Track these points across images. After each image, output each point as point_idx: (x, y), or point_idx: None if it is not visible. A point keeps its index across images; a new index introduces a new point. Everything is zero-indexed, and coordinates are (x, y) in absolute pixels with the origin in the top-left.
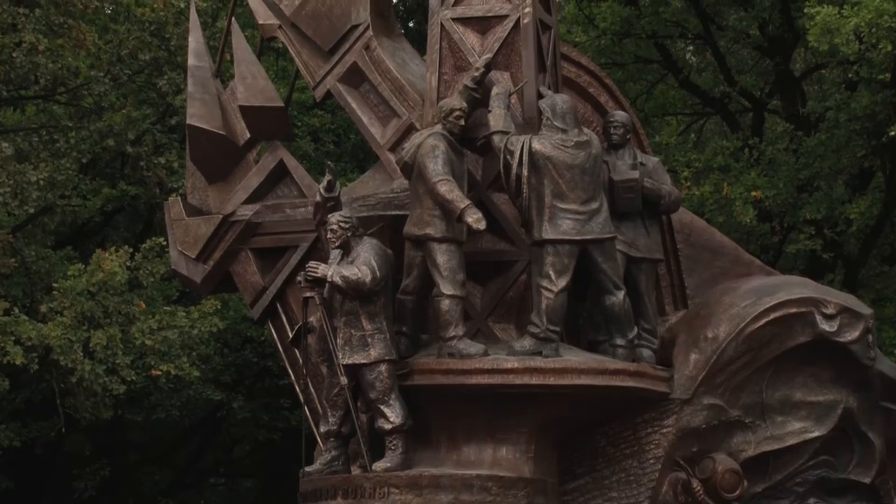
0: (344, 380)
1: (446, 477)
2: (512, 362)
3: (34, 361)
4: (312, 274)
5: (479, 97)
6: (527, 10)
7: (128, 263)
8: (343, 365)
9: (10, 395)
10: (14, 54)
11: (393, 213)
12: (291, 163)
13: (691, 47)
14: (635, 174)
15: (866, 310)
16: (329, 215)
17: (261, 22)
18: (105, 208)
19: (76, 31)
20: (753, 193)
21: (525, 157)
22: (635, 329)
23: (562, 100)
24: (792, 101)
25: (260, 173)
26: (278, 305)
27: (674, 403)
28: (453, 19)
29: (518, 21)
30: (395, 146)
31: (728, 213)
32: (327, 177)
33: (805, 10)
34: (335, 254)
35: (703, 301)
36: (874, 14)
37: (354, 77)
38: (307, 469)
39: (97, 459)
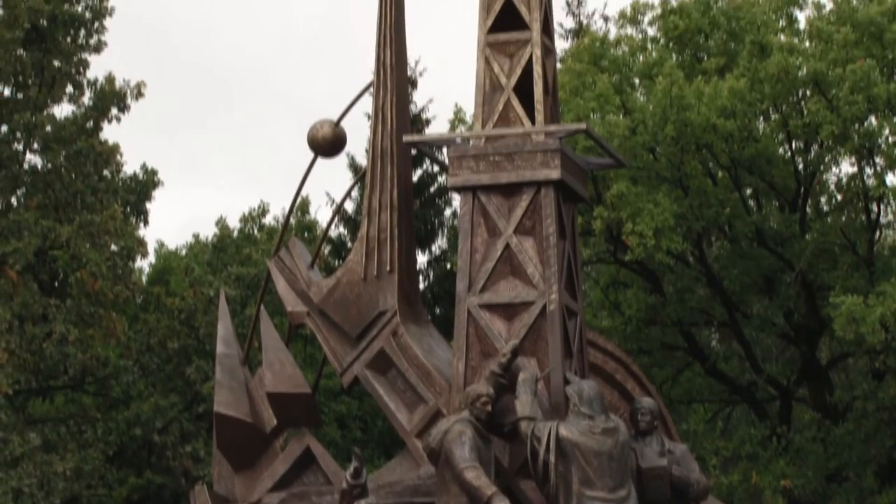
0: None
1: None
2: None
3: None
4: None
5: (505, 383)
6: (553, 296)
7: None
8: None
9: None
10: (44, 345)
11: (420, 500)
12: (318, 450)
13: (717, 335)
14: (663, 462)
15: None
16: (355, 502)
17: (289, 309)
18: (131, 498)
19: (107, 321)
20: (782, 482)
21: (552, 444)
22: None
23: (588, 386)
24: (819, 389)
25: (286, 460)
26: None
27: None
28: (480, 306)
29: (544, 307)
30: (421, 432)
31: (757, 501)
32: (354, 463)
33: (830, 300)
34: None
35: None
36: None
37: (382, 363)
38: None
39: None
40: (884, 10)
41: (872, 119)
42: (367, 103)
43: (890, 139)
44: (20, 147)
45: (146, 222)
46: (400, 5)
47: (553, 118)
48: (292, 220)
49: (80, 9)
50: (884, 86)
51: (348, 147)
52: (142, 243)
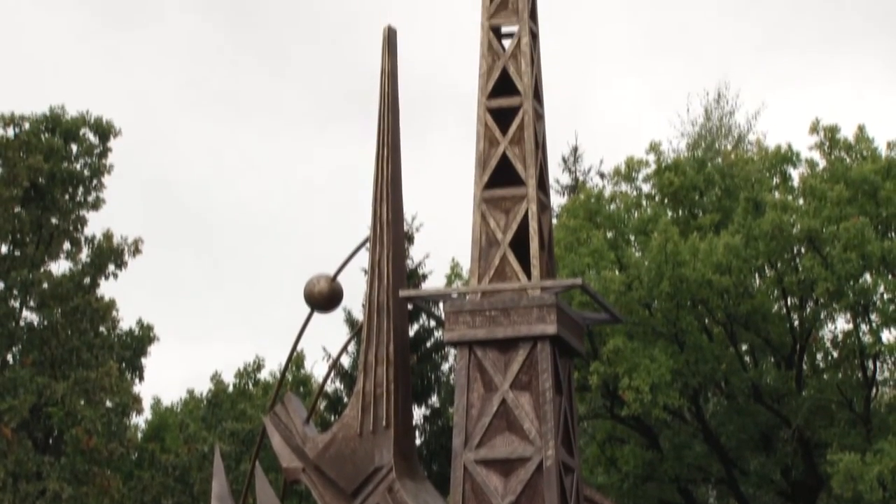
0: None
1: None
2: None
3: None
4: None
5: None
6: (549, 452)
7: None
8: None
9: None
10: (38, 503)
11: None
12: None
13: (714, 491)
14: None
15: None
16: None
17: (285, 465)
18: None
19: (101, 479)
20: None
21: None
22: None
23: None
24: None
25: None
26: None
27: None
28: (476, 461)
29: (541, 463)
30: None
31: None
32: None
33: (828, 457)
34: None
35: None
36: None
37: None
38: None
39: None
40: (877, 168)
41: (867, 276)
42: (363, 258)
43: (885, 296)
44: (16, 304)
45: (141, 378)
46: (396, 162)
47: (549, 273)
48: (288, 375)
49: (79, 167)
50: (878, 243)
51: (344, 302)
52: (137, 400)
